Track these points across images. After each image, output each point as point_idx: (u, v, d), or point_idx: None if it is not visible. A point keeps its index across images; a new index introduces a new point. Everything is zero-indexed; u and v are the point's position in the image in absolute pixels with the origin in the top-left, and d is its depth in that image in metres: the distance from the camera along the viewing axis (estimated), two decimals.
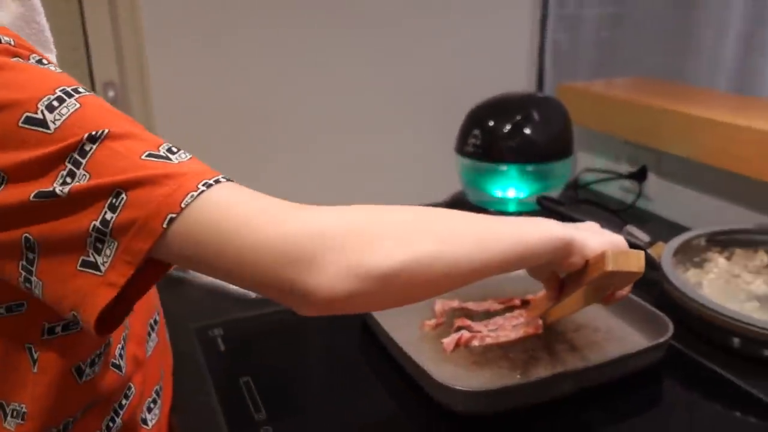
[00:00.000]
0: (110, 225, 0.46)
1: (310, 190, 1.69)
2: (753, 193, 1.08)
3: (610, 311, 0.87)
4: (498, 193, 1.17)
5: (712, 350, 0.81)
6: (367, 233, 0.49)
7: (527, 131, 1.12)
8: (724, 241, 0.98)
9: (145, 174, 0.46)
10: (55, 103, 0.47)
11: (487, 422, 0.69)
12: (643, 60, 2.22)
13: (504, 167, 1.13)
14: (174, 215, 0.46)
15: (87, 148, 0.46)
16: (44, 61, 0.51)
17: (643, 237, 0.96)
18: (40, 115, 0.46)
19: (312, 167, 1.70)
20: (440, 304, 0.89)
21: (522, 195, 1.15)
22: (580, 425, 0.71)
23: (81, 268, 0.47)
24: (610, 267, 0.62)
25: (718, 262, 0.96)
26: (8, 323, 0.54)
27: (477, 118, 1.16)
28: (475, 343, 0.80)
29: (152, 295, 0.71)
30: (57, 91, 0.48)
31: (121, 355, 0.62)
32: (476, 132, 1.14)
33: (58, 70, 0.51)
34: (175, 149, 0.50)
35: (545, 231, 0.59)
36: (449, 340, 0.79)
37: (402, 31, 1.77)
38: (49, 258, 0.47)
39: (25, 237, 0.47)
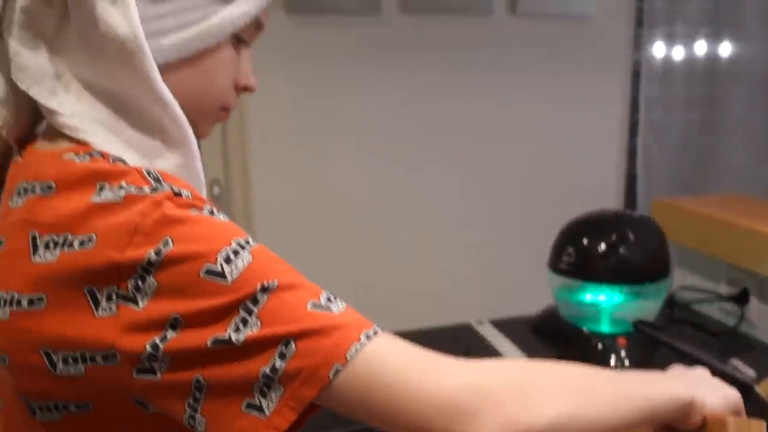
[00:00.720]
0: (279, 372, 0.49)
1: (397, 291, 1.73)
2: None
3: None
4: (593, 310, 1.16)
5: None
6: (521, 390, 0.52)
7: (622, 251, 1.12)
8: None
9: (313, 325, 0.50)
10: (232, 256, 0.51)
11: None
12: (734, 170, 2.19)
13: (598, 286, 1.13)
14: (341, 366, 0.49)
15: (260, 297, 0.50)
16: (215, 211, 0.55)
17: (750, 372, 0.93)
18: (219, 268, 0.50)
19: (403, 274, 1.74)
20: None
21: (619, 316, 1.14)
22: None
23: (246, 410, 0.50)
24: None
25: None
26: None
27: (571, 235, 1.17)
28: None
29: None
30: (232, 242, 0.52)
31: None
32: (570, 250, 1.14)
33: (225, 218, 0.56)
34: (332, 298, 0.53)
35: (670, 393, 0.60)
36: None
37: (494, 140, 1.82)
38: (216, 399, 0.50)
39: (196, 379, 0.51)
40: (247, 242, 0.53)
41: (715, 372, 0.95)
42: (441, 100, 1.79)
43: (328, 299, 0.53)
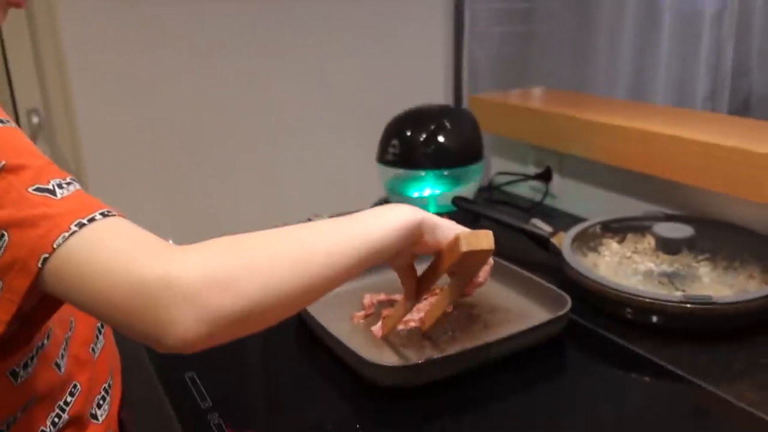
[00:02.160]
0: None
1: (237, 204, 1.76)
2: (641, 185, 1.21)
3: (520, 294, 0.97)
4: (416, 195, 1.27)
5: (608, 321, 0.93)
6: (221, 276, 0.50)
7: (440, 139, 1.23)
8: (617, 228, 1.10)
9: (27, 214, 0.50)
10: None
11: (414, 393, 0.77)
12: (552, 73, 2.40)
13: (422, 173, 1.23)
14: (47, 255, 0.49)
15: None
16: None
17: (546, 228, 1.08)
18: None
19: (239, 182, 1.76)
20: (368, 298, 0.97)
21: (436, 194, 1.25)
22: (493, 392, 0.80)
23: None
24: (464, 248, 0.67)
25: (612, 246, 1.08)
26: None
27: (394, 129, 1.26)
28: (400, 327, 0.88)
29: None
30: None
31: (62, 356, 0.66)
32: (395, 142, 1.23)
33: None
34: (65, 183, 0.53)
35: (395, 219, 0.63)
36: (377, 327, 0.88)
37: (324, 50, 1.86)
38: None
39: None
40: None
41: (518, 229, 1.09)
42: (269, 14, 1.79)
43: (59, 183, 0.52)
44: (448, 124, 1.24)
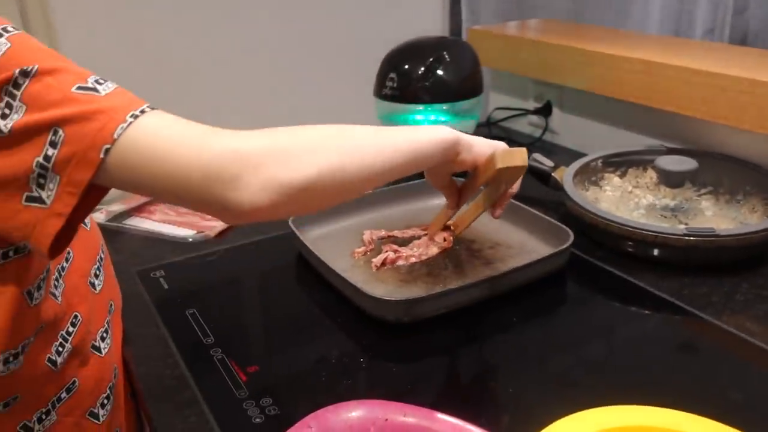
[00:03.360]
0: (52, 160, 0.50)
1: None
2: (642, 118, 1.19)
3: (521, 229, 0.96)
4: None
5: (609, 254, 0.92)
6: (281, 151, 0.55)
7: (439, 73, 1.19)
8: (618, 162, 1.09)
9: (78, 110, 0.51)
10: None
11: (417, 328, 0.77)
12: (550, 3, 2.34)
13: (420, 107, 1.20)
14: (109, 146, 0.51)
15: (20, 82, 0.50)
16: None
17: (548, 162, 1.06)
18: None
19: (232, 121, 1.73)
20: (368, 234, 0.96)
21: None
22: (495, 325, 0.80)
23: (26, 203, 0.51)
24: (499, 164, 0.70)
25: (613, 180, 1.07)
26: None
27: (392, 62, 1.22)
28: (401, 262, 0.88)
29: (96, 234, 0.75)
30: None
31: (56, 285, 0.66)
32: (392, 75, 1.20)
33: None
34: (102, 80, 0.54)
35: (435, 134, 0.68)
36: (377, 260, 0.87)
37: None
38: None
39: None
40: (5, 30, 0.52)
41: None
42: None
43: (97, 81, 0.54)
44: (447, 57, 1.21)
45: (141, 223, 1.04)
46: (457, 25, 2.15)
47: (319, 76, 1.81)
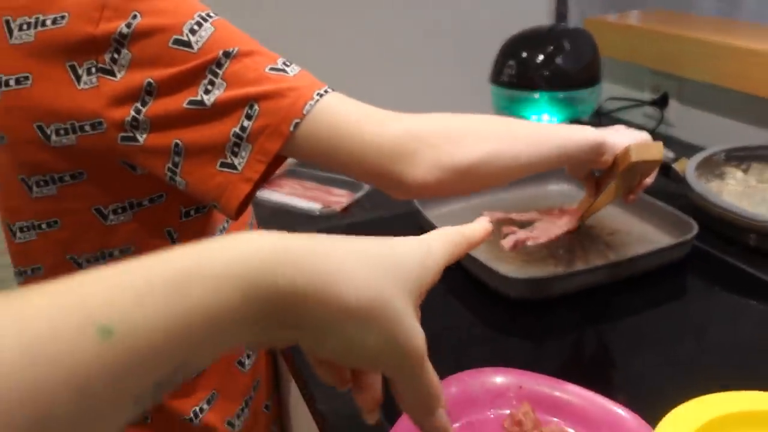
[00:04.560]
0: (247, 131, 0.57)
1: None
2: (765, 112, 1.17)
3: (641, 218, 0.97)
4: (532, 119, 1.26)
5: (732, 247, 0.92)
6: (452, 134, 0.61)
7: (558, 61, 1.21)
8: (741, 157, 1.08)
9: (272, 88, 0.57)
10: (196, 27, 0.57)
11: (537, 306, 0.81)
12: None
13: (537, 95, 1.22)
14: (298, 120, 0.57)
15: (223, 62, 0.57)
16: None
17: (669, 154, 1.06)
18: (185, 38, 0.57)
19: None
20: (488, 214, 0.99)
21: (554, 120, 1.25)
22: (618, 308, 0.82)
23: (220, 168, 0.58)
24: (633, 158, 0.72)
25: (736, 174, 1.06)
26: (151, 212, 0.65)
27: (511, 49, 1.25)
28: (530, 243, 0.91)
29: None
30: (195, 16, 0.58)
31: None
32: (511, 63, 1.23)
33: None
34: (288, 63, 0.60)
35: (582, 135, 0.71)
36: (508, 241, 0.90)
37: None
38: (193, 160, 0.58)
39: (175, 142, 0.57)
40: (209, 15, 0.59)
41: None
42: None
43: (285, 63, 0.59)
44: (566, 46, 1.22)
45: (270, 195, 1.12)
46: (564, 15, 2.14)
47: (433, 63, 1.85)
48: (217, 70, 0.57)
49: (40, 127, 0.59)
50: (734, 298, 0.87)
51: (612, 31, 1.43)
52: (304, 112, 0.57)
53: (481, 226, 0.46)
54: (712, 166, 1.06)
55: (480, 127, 0.64)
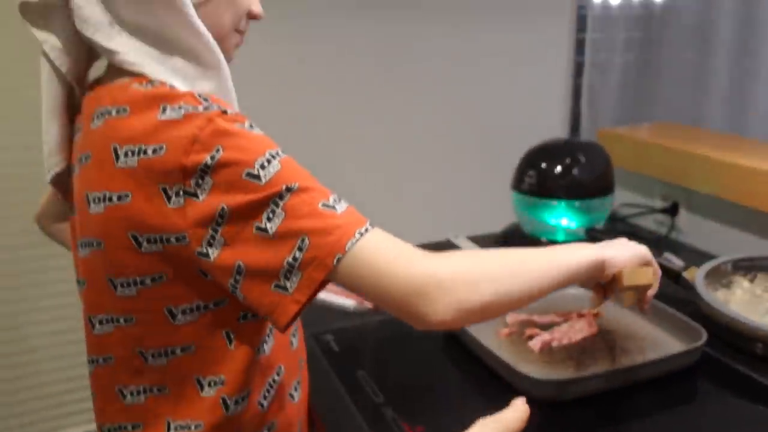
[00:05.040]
0: (298, 261, 0.66)
1: (384, 220, 1.90)
2: None
3: (653, 323, 1.05)
4: (551, 223, 1.36)
5: (739, 355, 0.99)
6: (467, 277, 0.69)
7: (575, 172, 1.32)
8: (748, 267, 1.16)
9: (322, 224, 0.66)
10: (266, 164, 0.67)
11: (550, 406, 0.87)
12: (670, 102, 2.41)
13: (555, 202, 1.32)
14: (341, 255, 0.66)
15: (284, 195, 0.66)
16: (252, 126, 0.71)
17: (678, 262, 1.14)
18: (256, 172, 0.67)
19: (385, 201, 1.91)
20: (512, 317, 1.07)
21: (572, 226, 1.34)
22: (627, 413, 0.88)
23: (274, 289, 0.67)
24: (625, 283, 0.81)
25: (743, 284, 1.13)
26: (214, 314, 0.74)
27: (531, 159, 1.36)
28: (555, 344, 0.98)
29: None
30: (266, 153, 0.68)
31: (265, 341, 0.81)
32: (531, 172, 1.33)
33: (259, 131, 0.71)
34: (338, 199, 0.70)
35: (582, 257, 0.79)
36: (535, 343, 0.98)
37: (455, 81, 1.98)
38: (252, 280, 0.67)
39: (238, 264, 0.67)
40: (278, 153, 0.69)
41: None
42: (408, 46, 1.93)
43: (335, 200, 0.69)
44: (582, 158, 1.33)
45: None
46: (578, 125, 2.27)
47: (454, 165, 1.98)
48: (279, 202, 0.66)
49: (134, 236, 0.68)
50: (743, 404, 0.92)
51: (623, 142, 1.55)
52: (346, 248, 0.66)
53: (519, 412, 0.56)
54: (719, 276, 1.14)
55: (495, 269, 0.72)
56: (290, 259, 0.65)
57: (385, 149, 1.90)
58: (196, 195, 0.66)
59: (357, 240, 0.66)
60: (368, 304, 1.16)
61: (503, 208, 1.44)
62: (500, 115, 2.05)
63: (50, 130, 0.77)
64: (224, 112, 0.69)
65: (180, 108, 0.67)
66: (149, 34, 0.71)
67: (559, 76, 2.24)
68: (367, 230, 0.68)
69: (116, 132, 0.69)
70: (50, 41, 0.74)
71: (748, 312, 1.06)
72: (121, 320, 0.74)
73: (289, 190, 0.66)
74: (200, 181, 0.66)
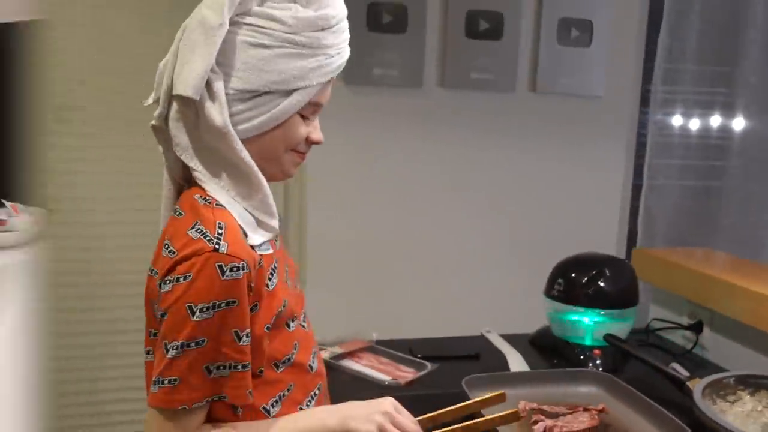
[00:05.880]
0: None
1: (422, 310, 2.08)
2: None
3: (652, 424, 1.16)
4: (579, 330, 1.50)
5: None
6: None
7: (601, 284, 1.46)
8: (752, 383, 1.25)
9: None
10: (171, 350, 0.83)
11: None
12: (727, 231, 2.49)
13: (581, 309, 1.47)
14: None
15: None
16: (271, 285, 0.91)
17: (683, 372, 1.26)
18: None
19: (425, 293, 2.10)
20: (523, 404, 1.21)
21: (596, 333, 1.47)
22: None
23: None
24: None
25: (743, 398, 1.23)
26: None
27: (562, 269, 1.52)
28: (556, 431, 1.12)
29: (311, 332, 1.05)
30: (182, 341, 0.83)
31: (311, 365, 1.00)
32: (560, 280, 1.49)
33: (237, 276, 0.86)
34: None
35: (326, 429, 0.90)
36: (539, 427, 1.12)
37: (513, 197, 2.20)
38: None
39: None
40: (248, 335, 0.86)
41: (658, 370, 1.29)
42: (470, 161, 2.17)
43: None
44: (607, 272, 1.48)
45: (352, 365, 1.39)
46: (633, 244, 2.39)
47: (500, 268, 2.16)
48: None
49: (189, 307, 0.85)
50: None
51: (656, 262, 1.68)
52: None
53: None
54: (720, 388, 1.23)
55: None
56: None
57: (439, 252, 2.11)
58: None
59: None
60: (401, 380, 1.32)
61: (538, 313, 1.59)
62: (553, 229, 2.22)
63: (164, 213, 0.98)
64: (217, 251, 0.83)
65: (198, 231, 0.85)
66: (212, 158, 0.91)
67: (615, 197, 2.40)
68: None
69: (170, 227, 0.91)
70: (166, 155, 0.96)
71: (744, 424, 1.16)
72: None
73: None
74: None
